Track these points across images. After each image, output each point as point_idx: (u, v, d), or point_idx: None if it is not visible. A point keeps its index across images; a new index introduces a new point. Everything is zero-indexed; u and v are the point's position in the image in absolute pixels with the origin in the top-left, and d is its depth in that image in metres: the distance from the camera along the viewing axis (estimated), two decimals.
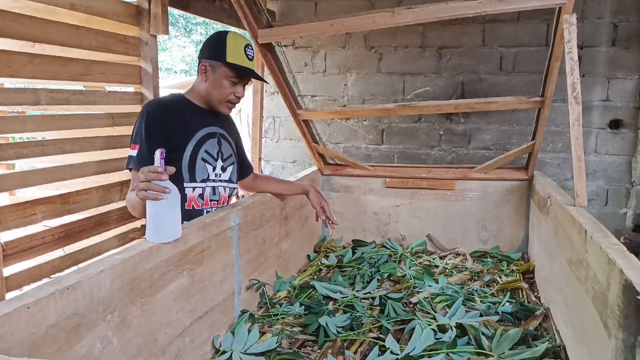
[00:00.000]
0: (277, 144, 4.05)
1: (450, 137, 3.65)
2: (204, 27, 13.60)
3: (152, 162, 1.47)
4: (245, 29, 2.38)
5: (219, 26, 3.26)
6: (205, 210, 1.88)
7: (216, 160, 1.92)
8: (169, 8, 2.39)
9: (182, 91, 1.95)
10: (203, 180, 1.87)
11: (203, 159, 1.87)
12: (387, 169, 3.13)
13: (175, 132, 1.80)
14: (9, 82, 2.48)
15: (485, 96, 3.39)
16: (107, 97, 2.24)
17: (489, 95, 3.42)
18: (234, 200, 2.08)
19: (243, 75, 1.85)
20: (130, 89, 2.40)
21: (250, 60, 1.86)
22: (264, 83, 3.79)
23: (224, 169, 1.96)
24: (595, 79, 3.32)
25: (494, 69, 3.49)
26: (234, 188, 2.06)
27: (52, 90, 1.98)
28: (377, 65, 3.70)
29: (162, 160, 1.37)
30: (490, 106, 2.57)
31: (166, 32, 2.33)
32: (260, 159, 3.92)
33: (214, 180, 1.92)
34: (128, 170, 1.78)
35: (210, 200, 1.91)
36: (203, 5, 2.85)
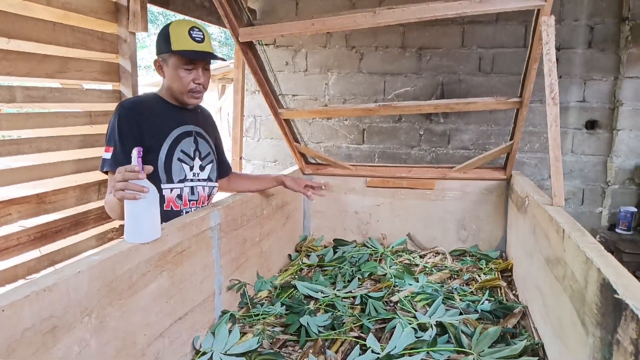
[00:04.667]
0: (258, 143, 4.03)
1: (430, 137, 3.68)
2: None
3: (127, 164, 1.44)
4: (226, 27, 2.36)
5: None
6: (184, 211, 1.85)
7: (193, 159, 1.89)
8: (148, 5, 2.36)
9: (156, 89, 1.91)
10: (180, 181, 1.84)
11: (179, 159, 1.83)
12: (368, 168, 3.14)
13: (150, 132, 1.75)
14: None
15: (465, 96, 3.43)
16: (85, 94, 2.20)
17: (468, 95, 3.46)
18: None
19: (193, 59, 1.76)
20: (109, 86, 2.37)
21: (199, 42, 1.76)
22: (245, 82, 3.76)
23: (202, 168, 1.93)
24: (571, 80, 3.38)
25: (473, 69, 3.52)
26: (214, 187, 2.02)
27: (27, 88, 1.94)
28: (358, 65, 3.71)
29: (140, 159, 1.35)
30: (469, 107, 2.60)
31: (145, 29, 2.29)
32: (241, 158, 3.90)
33: (192, 180, 1.89)
34: (103, 173, 1.74)
35: (189, 201, 1.88)
36: (183, 2, 2.82)
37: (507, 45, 3.44)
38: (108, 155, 1.69)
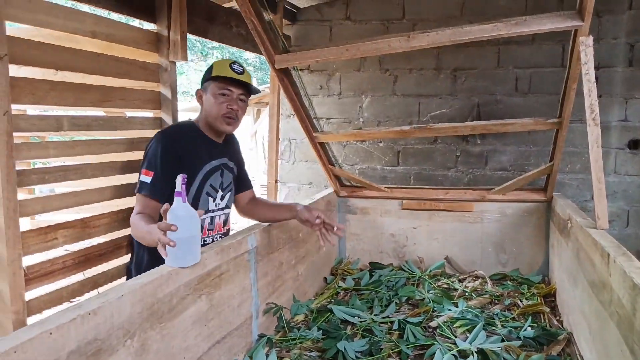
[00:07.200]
0: (293, 166, 4.06)
1: (467, 158, 3.64)
2: (219, 51, 13.84)
3: (164, 192, 1.67)
4: (262, 54, 2.42)
5: (234, 50, 3.31)
6: (202, 240, 1.93)
7: (217, 191, 1.98)
8: (188, 34, 2.44)
9: (194, 114, 2.01)
10: (204, 212, 1.92)
11: (207, 193, 1.93)
12: (404, 190, 3.12)
13: (187, 163, 1.85)
14: (32, 109, 2.53)
15: (502, 117, 3.38)
16: (127, 122, 2.27)
17: (505, 116, 3.41)
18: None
19: (229, 84, 1.87)
20: (150, 114, 2.44)
21: (238, 73, 1.88)
22: (280, 106, 3.82)
23: (222, 198, 2.03)
24: (612, 99, 3.30)
25: (510, 90, 3.48)
26: (228, 213, 2.10)
27: (74, 117, 2.02)
28: (392, 87, 3.72)
29: (184, 186, 1.40)
30: (507, 128, 2.57)
31: (185, 58, 2.37)
32: (276, 181, 3.94)
33: (213, 211, 1.99)
34: (136, 194, 1.83)
35: (208, 230, 1.97)
36: (220, 31, 2.90)
37: (545, 65, 3.39)
38: (147, 179, 1.79)
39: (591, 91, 1.87)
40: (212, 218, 1.99)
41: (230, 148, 2.09)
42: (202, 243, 1.90)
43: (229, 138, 2.09)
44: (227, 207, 2.08)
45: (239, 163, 2.16)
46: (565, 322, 2.10)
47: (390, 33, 3.29)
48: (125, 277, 2.10)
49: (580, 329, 1.84)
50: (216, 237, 2.00)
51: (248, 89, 1.93)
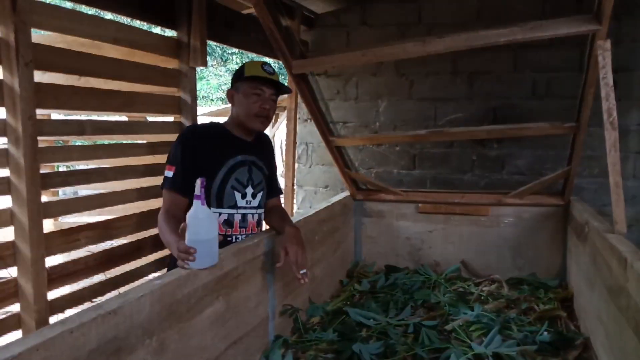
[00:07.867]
0: (310, 170, 4.08)
1: (484, 162, 3.62)
2: (239, 57, 13.95)
3: (185, 185, 1.68)
4: (279, 60, 2.45)
5: (254, 56, 3.35)
6: (234, 237, 1.93)
7: (246, 187, 1.97)
8: (207, 40, 2.48)
9: (213, 119, 2.03)
10: (230, 207, 1.92)
11: (232, 187, 1.92)
12: (420, 194, 3.12)
13: (207, 159, 1.87)
14: (56, 114, 2.60)
15: (518, 121, 3.35)
16: (148, 126, 2.32)
17: (522, 120, 3.38)
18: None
19: (262, 83, 1.89)
20: (170, 118, 2.49)
21: (270, 73, 1.90)
22: (297, 111, 3.86)
23: (254, 196, 2.01)
24: (631, 102, 3.26)
25: (527, 94, 3.46)
26: (262, 212, 2.09)
27: (96, 121, 2.07)
28: (408, 91, 3.72)
29: (203, 189, 1.43)
30: (523, 132, 2.56)
31: (204, 64, 2.41)
32: (293, 184, 3.97)
33: (244, 208, 1.97)
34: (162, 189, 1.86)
35: (240, 227, 1.96)
36: (239, 37, 2.95)
37: (562, 68, 3.36)
38: (170, 174, 1.83)
39: (609, 95, 1.86)
40: (244, 215, 1.97)
41: (260, 148, 2.08)
42: (234, 240, 1.91)
43: (260, 139, 2.09)
44: (261, 207, 2.06)
45: (270, 165, 2.14)
46: (583, 327, 2.09)
47: (407, 38, 3.30)
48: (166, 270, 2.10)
49: (597, 334, 1.83)
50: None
51: (278, 89, 1.96)
